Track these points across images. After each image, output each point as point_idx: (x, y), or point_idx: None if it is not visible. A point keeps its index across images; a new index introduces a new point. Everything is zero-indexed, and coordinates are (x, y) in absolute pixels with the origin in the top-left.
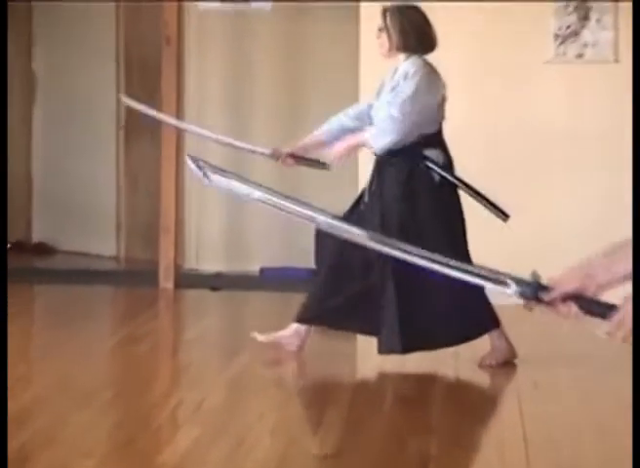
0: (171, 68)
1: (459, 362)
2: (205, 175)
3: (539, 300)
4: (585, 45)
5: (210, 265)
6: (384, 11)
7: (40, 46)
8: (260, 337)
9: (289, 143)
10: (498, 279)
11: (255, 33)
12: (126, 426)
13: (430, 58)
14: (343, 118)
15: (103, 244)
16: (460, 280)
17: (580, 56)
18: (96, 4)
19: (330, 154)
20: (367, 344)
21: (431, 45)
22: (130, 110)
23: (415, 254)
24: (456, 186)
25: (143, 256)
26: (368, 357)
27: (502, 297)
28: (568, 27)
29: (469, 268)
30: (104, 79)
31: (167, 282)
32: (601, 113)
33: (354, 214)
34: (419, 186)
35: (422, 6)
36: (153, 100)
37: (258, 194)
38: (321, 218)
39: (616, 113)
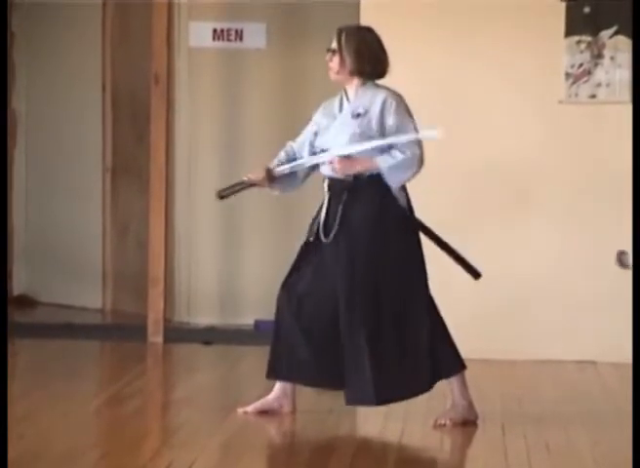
0: (160, 109)
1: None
2: None
3: None
4: (599, 85)
5: (201, 318)
6: (340, 31)
7: (21, 86)
8: (249, 409)
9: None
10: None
11: (248, 71)
12: None
13: (446, 94)
14: (291, 150)
15: (88, 296)
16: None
17: (592, 96)
18: (81, 40)
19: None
20: None
21: (384, 71)
22: (116, 151)
23: None
24: (417, 229)
25: (131, 309)
26: (366, 413)
27: None
28: (580, 66)
29: None
30: (90, 119)
31: (156, 336)
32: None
33: (315, 253)
34: (389, 223)
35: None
36: (142, 142)
37: None
38: None
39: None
